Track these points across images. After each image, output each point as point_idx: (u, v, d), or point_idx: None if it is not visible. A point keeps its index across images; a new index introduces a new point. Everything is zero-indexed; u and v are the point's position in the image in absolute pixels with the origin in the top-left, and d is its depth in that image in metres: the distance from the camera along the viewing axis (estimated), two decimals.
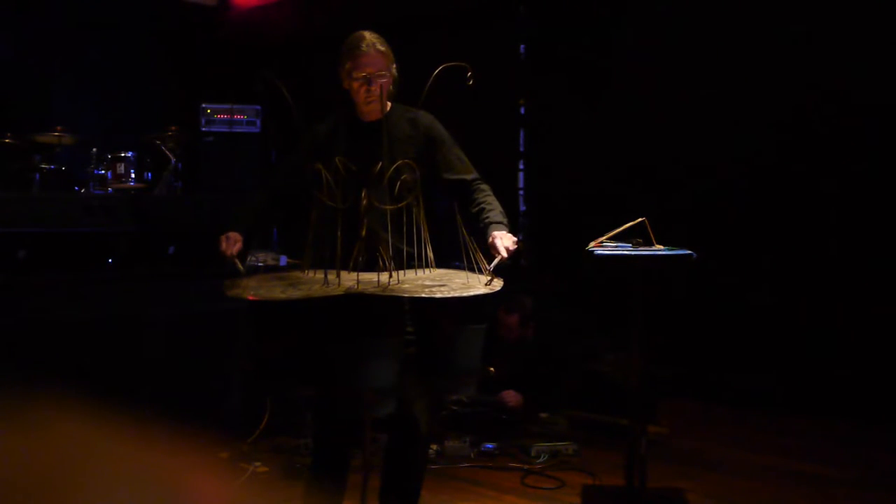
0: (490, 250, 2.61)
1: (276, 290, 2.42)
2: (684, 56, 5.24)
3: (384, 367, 2.39)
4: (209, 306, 4.14)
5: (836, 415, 4.49)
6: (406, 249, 2.64)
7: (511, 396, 4.51)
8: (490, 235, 2.65)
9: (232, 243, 2.71)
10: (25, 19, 6.35)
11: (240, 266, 2.71)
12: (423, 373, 2.55)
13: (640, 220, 3.02)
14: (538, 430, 4.35)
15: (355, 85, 2.76)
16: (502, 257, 2.54)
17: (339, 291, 2.34)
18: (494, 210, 2.75)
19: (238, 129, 6.16)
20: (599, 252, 2.98)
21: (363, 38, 2.76)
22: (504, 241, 2.59)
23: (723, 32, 5.12)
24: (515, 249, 2.58)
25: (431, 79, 2.63)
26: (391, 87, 2.79)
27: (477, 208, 2.78)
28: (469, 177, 2.85)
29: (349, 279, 2.45)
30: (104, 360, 3.86)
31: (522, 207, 6.24)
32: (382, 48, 2.75)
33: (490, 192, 2.83)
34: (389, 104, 2.85)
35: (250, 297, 2.42)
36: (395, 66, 2.81)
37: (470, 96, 2.78)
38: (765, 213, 5.03)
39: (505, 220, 2.72)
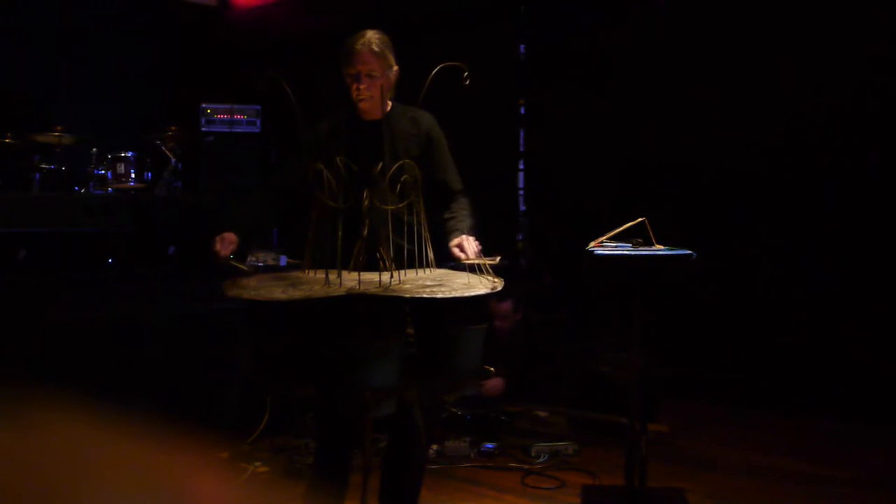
0: (452, 251, 2.67)
1: (276, 290, 2.41)
2: (684, 55, 5.24)
3: (384, 367, 2.38)
4: (209, 306, 4.14)
5: (836, 415, 4.49)
6: (406, 247, 2.65)
7: (494, 385, 4.48)
8: (455, 238, 2.70)
9: (226, 244, 2.71)
10: (26, 19, 6.35)
11: (241, 266, 2.70)
12: (424, 373, 2.55)
13: (640, 220, 3.02)
14: (538, 429, 4.34)
15: (347, 81, 2.77)
16: (468, 257, 2.59)
17: (340, 292, 2.33)
18: (465, 222, 2.80)
19: (238, 129, 6.16)
20: (599, 252, 2.98)
21: (361, 36, 2.76)
22: (473, 244, 2.64)
23: (723, 31, 5.12)
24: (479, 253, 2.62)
25: (429, 78, 2.63)
26: (385, 88, 2.78)
27: (450, 215, 2.84)
28: (456, 186, 2.90)
29: (350, 279, 2.45)
30: (104, 360, 3.86)
31: (522, 207, 6.24)
32: (377, 49, 2.74)
33: (467, 208, 2.88)
34: (390, 104, 2.85)
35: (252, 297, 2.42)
36: (394, 68, 2.80)
37: (470, 96, 2.79)
38: (765, 213, 5.03)
39: (471, 236, 2.75)
